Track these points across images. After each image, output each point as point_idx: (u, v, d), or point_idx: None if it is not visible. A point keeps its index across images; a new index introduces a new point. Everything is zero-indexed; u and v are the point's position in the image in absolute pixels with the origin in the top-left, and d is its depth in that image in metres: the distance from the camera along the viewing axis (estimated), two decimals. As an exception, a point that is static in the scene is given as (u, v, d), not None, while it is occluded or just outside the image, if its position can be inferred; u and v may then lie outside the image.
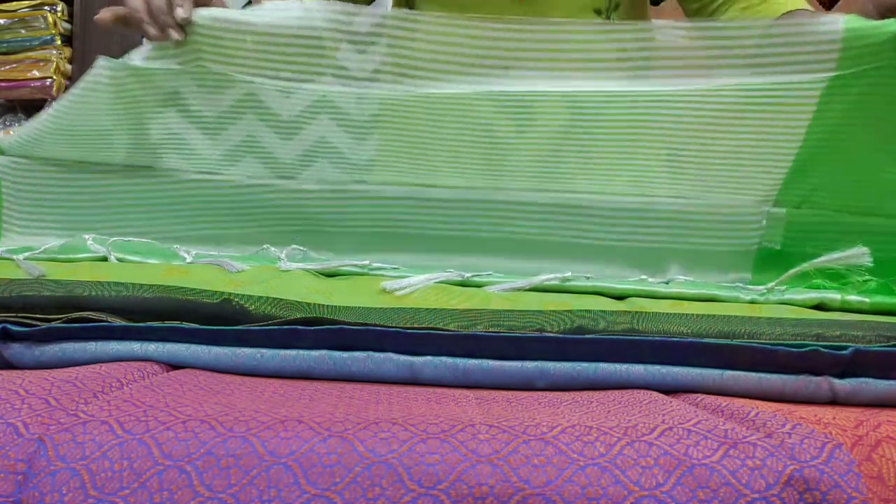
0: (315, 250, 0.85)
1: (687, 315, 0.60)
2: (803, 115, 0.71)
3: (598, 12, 1.06)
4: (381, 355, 0.55)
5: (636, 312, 0.60)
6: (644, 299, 0.68)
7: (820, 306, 0.70)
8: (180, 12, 0.80)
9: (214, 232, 0.89)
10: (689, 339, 0.55)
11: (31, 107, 2.16)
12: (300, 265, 0.75)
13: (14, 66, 2.13)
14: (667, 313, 0.60)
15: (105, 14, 0.83)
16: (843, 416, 0.46)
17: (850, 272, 0.70)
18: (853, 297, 0.70)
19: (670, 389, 0.54)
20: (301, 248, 0.86)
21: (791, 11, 0.92)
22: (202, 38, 0.80)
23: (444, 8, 1.06)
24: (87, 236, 0.78)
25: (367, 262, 0.78)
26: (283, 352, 0.55)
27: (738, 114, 0.73)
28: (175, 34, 0.80)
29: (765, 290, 0.72)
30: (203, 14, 0.80)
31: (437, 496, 0.39)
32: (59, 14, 2.14)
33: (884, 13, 0.74)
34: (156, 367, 0.54)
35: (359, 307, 0.60)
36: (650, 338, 0.56)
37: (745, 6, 0.99)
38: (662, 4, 1.24)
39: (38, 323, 0.55)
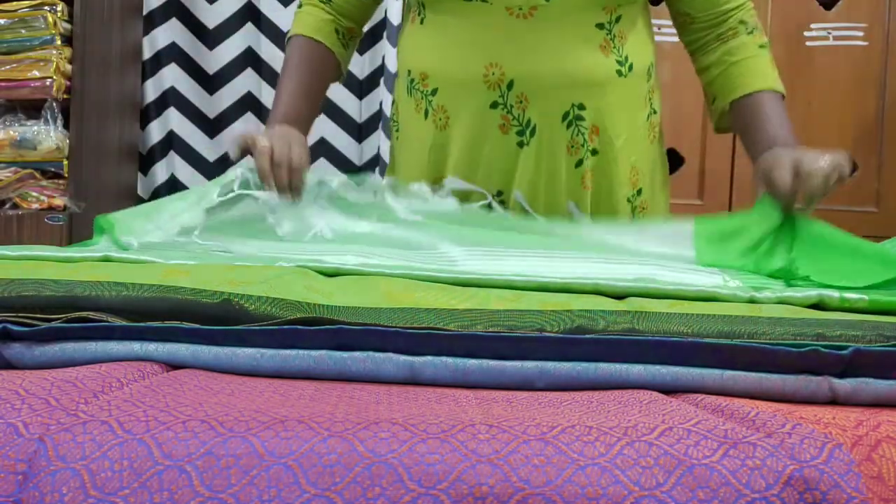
0: None
1: (687, 315, 0.60)
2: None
3: (600, 27, 1.08)
4: (381, 355, 0.54)
5: (636, 312, 0.60)
6: (644, 299, 0.68)
7: (819, 305, 0.70)
8: (297, 184, 1.03)
9: None
10: (689, 339, 0.55)
11: (31, 107, 2.16)
12: (300, 265, 0.75)
13: (14, 66, 2.13)
14: (667, 313, 0.60)
15: (239, 141, 1.05)
16: (843, 416, 0.46)
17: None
18: (851, 295, 0.70)
19: (670, 389, 0.54)
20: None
21: (755, 95, 1.11)
22: None
23: (452, 20, 1.09)
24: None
25: (367, 261, 0.79)
26: (283, 352, 0.55)
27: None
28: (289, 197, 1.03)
29: (762, 287, 0.72)
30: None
31: (437, 496, 0.39)
32: (59, 14, 2.14)
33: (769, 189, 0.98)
34: (156, 367, 0.54)
35: (359, 307, 0.60)
36: (650, 338, 0.56)
37: (725, 56, 1.14)
38: (660, 5, 1.24)
39: (39, 323, 0.55)
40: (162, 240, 0.95)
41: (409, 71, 1.15)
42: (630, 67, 1.10)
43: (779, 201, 0.96)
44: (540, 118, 1.08)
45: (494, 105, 1.08)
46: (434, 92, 1.12)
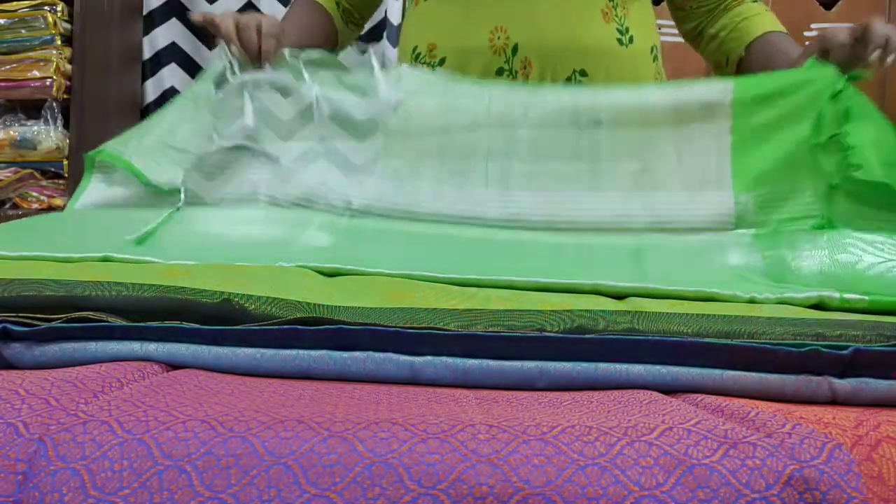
0: None
1: (687, 315, 0.60)
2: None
3: None
4: (381, 355, 0.54)
5: (636, 312, 0.60)
6: (644, 299, 0.68)
7: (819, 305, 0.70)
8: (267, 46, 0.98)
9: None
10: (689, 339, 0.55)
11: (31, 107, 2.16)
12: (301, 264, 0.75)
13: (14, 66, 2.13)
14: (667, 313, 0.60)
15: (196, 16, 1.00)
16: (843, 416, 0.46)
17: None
18: (852, 296, 0.70)
19: (670, 389, 0.54)
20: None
21: (768, 34, 1.14)
22: None
23: None
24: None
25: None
26: (282, 352, 0.55)
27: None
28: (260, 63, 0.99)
29: (763, 288, 0.72)
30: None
31: (437, 496, 0.39)
32: (59, 14, 2.14)
33: (825, 52, 0.95)
34: (156, 367, 0.54)
35: (359, 307, 0.60)
36: (650, 338, 0.56)
37: (734, 18, 1.17)
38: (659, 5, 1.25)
39: (39, 323, 0.55)
40: (179, 162, 0.94)
41: (416, 47, 1.17)
42: (630, 39, 1.12)
43: (839, 60, 0.92)
44: (542, 84, 1.09)
45: (500, 71, 1.09)
46: (442, 62, 1.13)
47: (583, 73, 1.09)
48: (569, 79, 1.09)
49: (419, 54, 1.16)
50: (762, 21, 1.16)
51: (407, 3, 1.24)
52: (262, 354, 0.55)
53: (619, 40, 1.11)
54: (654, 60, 1.16)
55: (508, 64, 1.09)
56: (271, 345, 0.55)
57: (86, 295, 0.58)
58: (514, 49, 1.08)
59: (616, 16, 1.11)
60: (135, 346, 0.55)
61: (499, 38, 1.09)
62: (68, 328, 0.55)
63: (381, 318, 0.57)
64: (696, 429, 0.43)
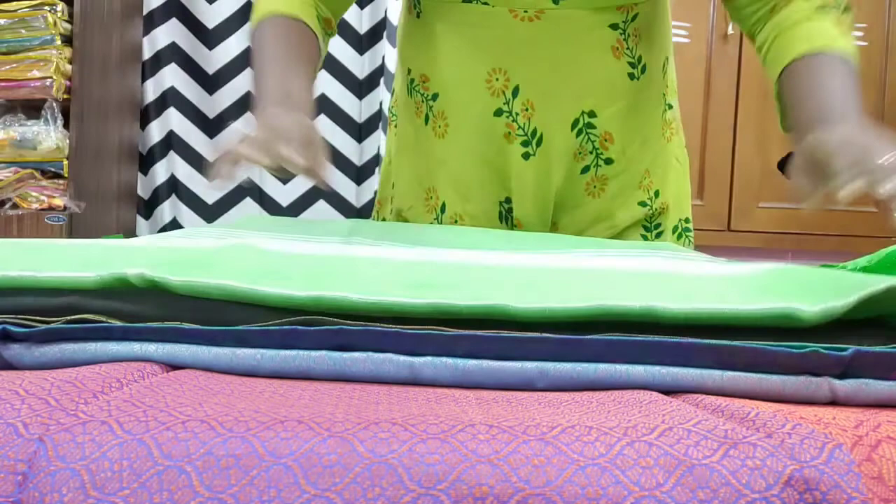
0: None
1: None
2: None
3: (613, 27, 1.02)
4: (381, 356, 0.54)
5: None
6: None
7: None
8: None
9: None
10: (689, 339, 0.55)
11: (31, 107, 2.16)
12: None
13: (14, 66, 2.13)
14: (667, 313, 0.60)
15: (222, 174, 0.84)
16: (844, 417, 0.46)
17: None
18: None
19: (670, 389, 0.54)
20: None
21: (801, 58, 0.92)
22: None
23: (452, 22, 1.04)
24: None
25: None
26: (282, 352, 0.55)
27: None
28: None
29: None
30: None
31: (437, 496, 0.39)
32: (59, 14, 2.14)
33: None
34: (156, 367, 0.54)
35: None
36: (651, 338, 0.55)
37: (773, 29, 0.97)
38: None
39: (38, 324, 0.55)
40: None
41: (410, 70, 1.11)
42: (643, 69, 1.05)
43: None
44: (547, 127, 1.02)
45: (499, 112, 1.03)
46: (435, 97, 1.07)
47: (591, 114, 1.02)
48: (576, 121, 1.02)
49: (413, 80, 1.09)
50: (802, 34, 0.93)
51: (402, 8, 1.16)
52: (262, 355, 0.55)
53: (631, 74, 1.04)
54: (663, 76, 1.09)
55: (508, 106, 1.02)
56: (271, 345, 0.55)
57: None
58: (515, 91, 1.01)
59: (627, 48, 1.02)
60: (134, 347, 0.55)
61: (497, 79, 1.01)
62: (68, 329, 0.55)
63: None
64: (696, 429, 0.43)
